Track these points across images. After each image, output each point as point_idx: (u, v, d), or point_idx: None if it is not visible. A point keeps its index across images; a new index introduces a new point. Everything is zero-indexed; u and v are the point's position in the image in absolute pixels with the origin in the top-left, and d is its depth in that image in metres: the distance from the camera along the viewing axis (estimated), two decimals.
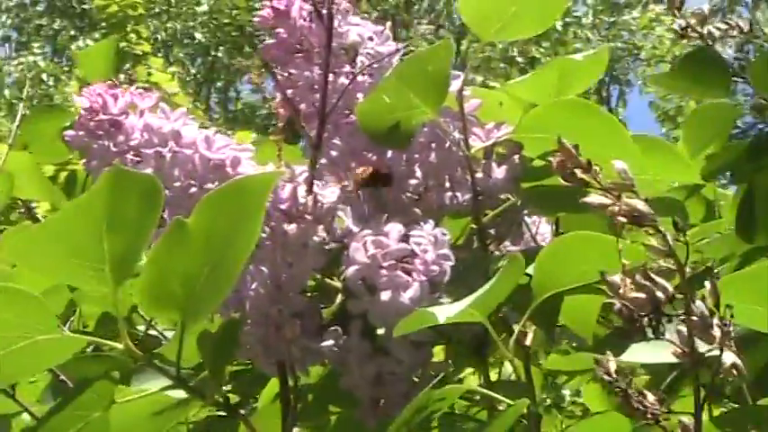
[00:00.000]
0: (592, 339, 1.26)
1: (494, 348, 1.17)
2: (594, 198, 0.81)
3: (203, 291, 0.98)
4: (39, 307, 0.99)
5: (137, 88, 1.12)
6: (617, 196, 0.81)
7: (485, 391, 1.06)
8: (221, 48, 15.39)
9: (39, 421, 1.15)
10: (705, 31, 1.68)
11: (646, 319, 0.83)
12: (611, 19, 14.15)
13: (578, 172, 0.82)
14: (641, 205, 0.80)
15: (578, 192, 1.09)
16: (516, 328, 1.06)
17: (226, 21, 15.09)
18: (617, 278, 0.82)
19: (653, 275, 0.83)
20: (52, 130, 1.91)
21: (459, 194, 1.17)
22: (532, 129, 1.16)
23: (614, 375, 0.85)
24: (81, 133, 1.09)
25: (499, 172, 1.17)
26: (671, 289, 0.82)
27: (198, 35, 15.28)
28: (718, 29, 1.68)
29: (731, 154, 1.54)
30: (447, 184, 1.18)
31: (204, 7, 15.27)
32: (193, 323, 1.02)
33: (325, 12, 1.14)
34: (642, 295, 0.81)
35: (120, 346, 1.02)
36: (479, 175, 1.16)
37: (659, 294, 0.81)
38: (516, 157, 1.19)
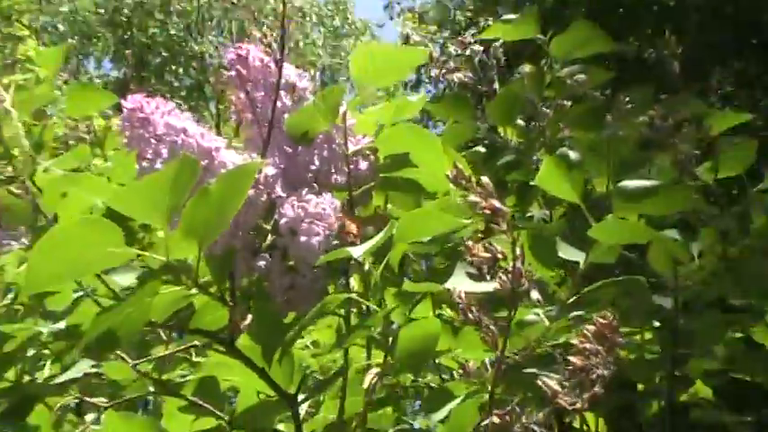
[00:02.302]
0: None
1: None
2: (474, 198, 1.32)
3: (211, 229, 1.39)
4: (115, 231, 1.32)
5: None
6: (485, 197, 1.35)
7: (360, 300, 1.56)
8: None
9: (120, 300, 1.52)
10: (455, 78, 2.28)
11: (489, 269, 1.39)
12: None
13: (463, 182, 1.36)
14: (497, 203, 1.35)
15: (408, 180, 1.68)
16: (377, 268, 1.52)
17: None
18: (471, 243, 1.38)
19: (494, 245, 1.39)
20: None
21: (339, 177, 1.63)
22: (384, 140, 1.67)
23: (464, 299, 1.40)
24: (126, 123, 1.50)
25: (363, 165, 1.65)
26: (504, 253, 1.39)
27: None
28: (460, 78, 2.28)
29: (471, 157, 2.11)
30: (333, 171, 1.63)
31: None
32: (204, 248, 1.40)
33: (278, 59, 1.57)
34: (489, 255, 1.38)
35: (162, 258, 1.40)
36: (353, 166, 1.63)
37: (498, 255, 1.37)
38: (373, 156, 1.66)
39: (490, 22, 10.46)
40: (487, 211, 1.35)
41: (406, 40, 2.51)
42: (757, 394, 2.41)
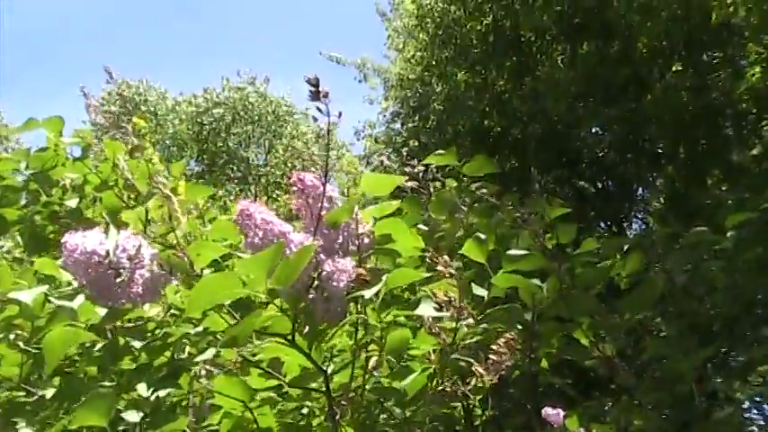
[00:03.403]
0: None
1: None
2: (441, 265, 1.43)
3: (289, 279, 1.45)
4: (236, 279, 1.41)
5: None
6: (445, 265, 1.45)
7: (362, 317, 1.65)
8: None
9: (236, 320, 1.60)
10: (410, 185, 2.35)
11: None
12: None
13: (435, 258, 1.46)
14: (452, 270, 1.45)
15: (389, 250, 1.73)
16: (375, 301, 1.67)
17: None
18: (436, 291, 1.47)
19: (449, 293, 1.48)
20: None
21: (353, 247, 1.66)
22: (378, 227, 1.73)
23: (429, 319, 1.49)
24: (239, 216, 1.53)
25: (366, 240, 1.68)
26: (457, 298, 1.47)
27: None
28: (412, 186, 2.35)
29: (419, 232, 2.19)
30: (350, 244, 1.66)
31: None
32: (284, 289, 1.47)
33: (323, 182, 1.62)
34: (446, 298, 1.47)
35: (262, 295, 1.46)
36: (360, 241, 1.67)
37: (453, 298, 1.47)
38: (371, 234, 1.70)
39: (416, 143, 10.48)
40: (447, 273, 1.43)
41: (381, 164, 2.57)
42: (574, 366, 2.48)
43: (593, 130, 9.29)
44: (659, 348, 2.44)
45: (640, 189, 9.88)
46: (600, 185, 9.83)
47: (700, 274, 2.56)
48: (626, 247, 2.46)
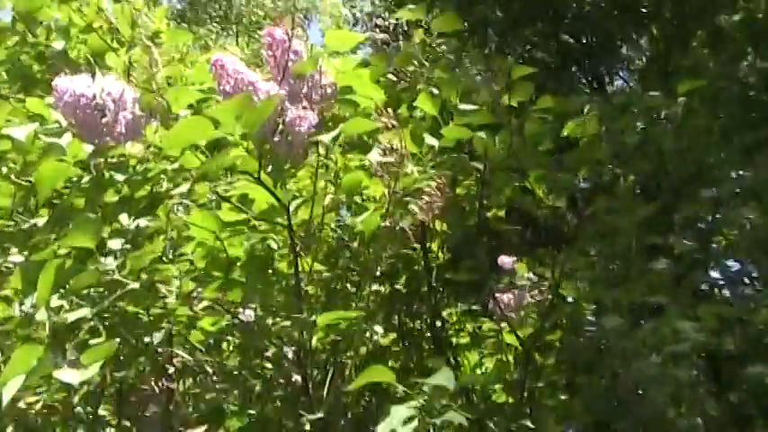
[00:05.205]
0: None
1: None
2: (384, 119, 1.63)
3: (257, 123, 1.63)
4: (207, 122, 1.59)
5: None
6: (389, 117, 1.64)
7: (323, 159, 1.87)
8: None
9: (207, 157, 1.78)
10: (379, 39, 2.50)
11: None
12: None
13: (381, 111, 1.65)
14: (394, 121, 1.65)
15: (350, 100, 1.92)
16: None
17: None
18: (382, 137, 1.67)
19: (393, 140, 1.68)
20: None
21: (316, 97, 1.82)
22: (341, 79, 1.89)
23: (376, 164, 1.71)
24: (214, 68, 1.70)
25: (329, 90, 1.85)
26: (396, 144, 1.68)
27: None
28: (381, 39, 2.50)
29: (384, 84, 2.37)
30: (313, 94, 1.82)
31: None
32: (252, 131, 1.66)
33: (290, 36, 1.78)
34: (390, 144, 1.68)
35: (231, 136, 1.66)
36: (323, 91, 1.83)
37: (394, 145, 1.68)
38: (333, 86, 1.86)
39: None
40: (389, 126, 1.63)
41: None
42: (524, 217, 2.69)
43: None
44: (606, 203, 2.64)
45: (624, 47, 9.92)
46: (584, 41, 9.85)
47: (650, 137, 2.72)
48: (586, 109, 2.62)
